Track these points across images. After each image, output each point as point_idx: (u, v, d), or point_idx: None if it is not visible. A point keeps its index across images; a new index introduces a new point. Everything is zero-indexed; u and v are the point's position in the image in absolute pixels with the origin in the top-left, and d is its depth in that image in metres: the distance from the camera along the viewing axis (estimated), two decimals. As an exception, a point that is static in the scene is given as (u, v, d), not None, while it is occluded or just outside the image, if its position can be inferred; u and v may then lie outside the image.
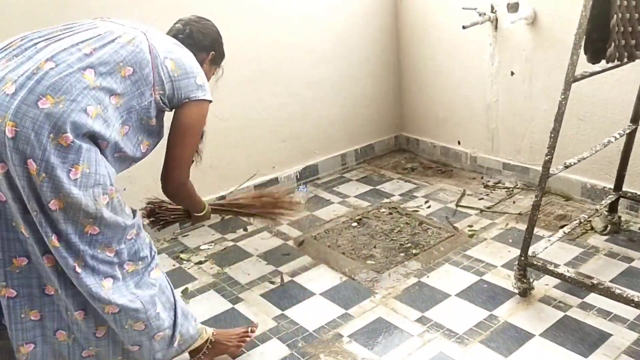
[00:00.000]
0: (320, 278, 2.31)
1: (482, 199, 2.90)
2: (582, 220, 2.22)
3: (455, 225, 2.64)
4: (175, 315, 1.69)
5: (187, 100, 1.58)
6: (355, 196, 3.05)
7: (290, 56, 3.00)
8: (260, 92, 2.93)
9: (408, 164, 3.45)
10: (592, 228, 2.46)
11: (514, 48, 2.82)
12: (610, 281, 2.11)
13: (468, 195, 2.95)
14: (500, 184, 3.04)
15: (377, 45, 3.36)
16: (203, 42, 1.79)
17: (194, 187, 1.82)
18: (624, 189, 2.39)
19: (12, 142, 1.32)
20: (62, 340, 1.56)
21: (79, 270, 1.45)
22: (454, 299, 2.10)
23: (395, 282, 2.24)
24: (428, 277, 2.25)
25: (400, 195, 3.01)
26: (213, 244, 2.64)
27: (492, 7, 2.83)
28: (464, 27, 2.76)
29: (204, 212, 2.00)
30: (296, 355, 1.88)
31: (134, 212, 1.61)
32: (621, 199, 2.42)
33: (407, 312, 2.05)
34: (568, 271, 1.91)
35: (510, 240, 2.46)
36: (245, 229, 2.75)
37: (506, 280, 2.17)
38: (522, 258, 1.99)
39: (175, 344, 1.71)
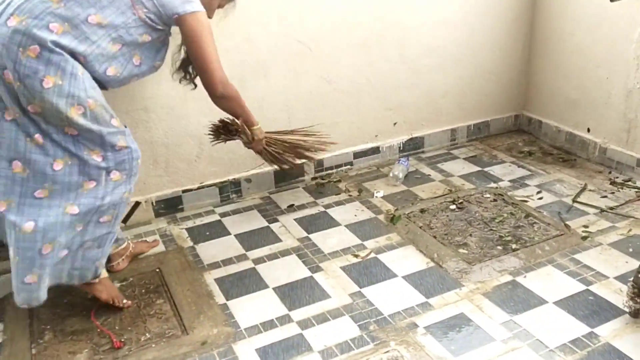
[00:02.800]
0: (405, 260, 2.18)
1: (605, 197, 2.56)
2: None
3: (567, 223, 2.35)
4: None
5: (177, 15, 1.74)
6: (460, 176, 2.84)
7: (407, 19, 2.80)
8: (371, 55, 2.79)
9: (525, 147, 3.14)
10: None
11: (672, 26, 2.39)
12: None
13: (589, 190, 2.62)
14: (630, 183, 2.66)
15: (508, 12, 3.03)
16: None
17: (239, 95, 1.99)
18: None
19: None
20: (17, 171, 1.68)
21: (61, 167, 1.67)
22: (551, 306, 1.88)
23: (487, 276, 2.05)
24: (525, 277, 2.04)
25: (510, 181, 2.75)
26: (304, 207, 2.61)
27: (652, -24, 2.41)
28: (612, 0, 2.38)
29: (258, 126, 2.17)
30: (365, 338, 1.80)
31: (123, 126, 1.78)
32: None
33: (494, 312, 1.87)
34: (696, 300, 1.61)
35: (631, 250, 2.15)
36: (338, 195, 2.68)
37: (617, 295, 1.90)
38: (639, 275, 1.71)
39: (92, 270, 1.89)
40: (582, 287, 1.96)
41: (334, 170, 2.91)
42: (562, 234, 2.28)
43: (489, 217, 2.43)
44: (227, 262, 2.23)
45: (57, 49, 1.59)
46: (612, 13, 2.61)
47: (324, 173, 2.88)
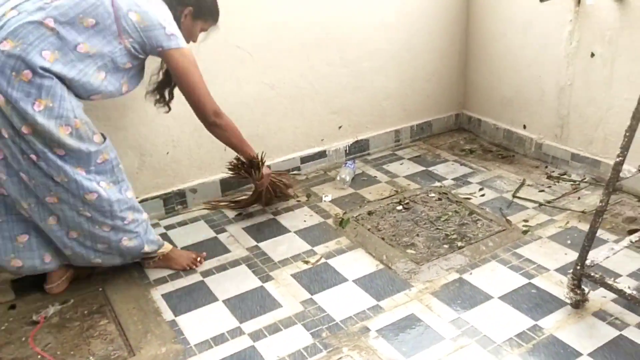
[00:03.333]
0: (355, 263, 2.19)
1: (542, 191, 2.66)
2: (654, 229, 1.97)
3: (508, 218, 2.43)
4: (139, 225, 2.02)
5: (161, 48, 1.83)
6: (405, 176, 2.88)
7: (347, 23, 2.82)
8: (313, 60, 2.79)
9: (467, 145, 3.23)
10: (665, 236, 2.19)
11: (597, 27, 2.51)
12: (680, 301, 1.87)
13: (528, 185, 2.72)
14: (565, 176, 2.78)
15: (444, 15, 3.11)
16: None
17: (234, 125, 2.10)
18: None
19: None
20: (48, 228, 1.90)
21: (60, 181, 1.79)
22: (497, 302, 1.94)
23: (434, 275, 2.09)
24: (471, 274, 2.09)
25: (453, 179, 2.82)
26: (252, 215, 2.57)
27: (577, -21, 2.52)
28: (541, 1, 2.47)
29: (259, 159, 2.29)
30: (318, 346, 1.79)
31: (103, 139, 1.89)
32: None
33: (443, 311, 1.91)
34: (629, 287, 1.69)
35: (569, 242, 2.24)
36: (286, 201, 2.66)
37: (558, 287, 1.97)
38: (578, 267, 1.78)
39: (141, 252, 2.07)
40: (525, 281, 2.03)
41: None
42: (504, 230, 2.35)
43: (434, 216, 2.48)
44: (174, 276, 2.17)
45: (47, 74, 1.68)
46: (542, 13, 2.71)
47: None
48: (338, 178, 2.81)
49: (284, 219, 2.53)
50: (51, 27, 1.68)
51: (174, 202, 2.61)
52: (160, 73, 2.10)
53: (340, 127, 3.02)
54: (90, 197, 1.85)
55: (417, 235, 2.35)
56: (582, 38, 2.59)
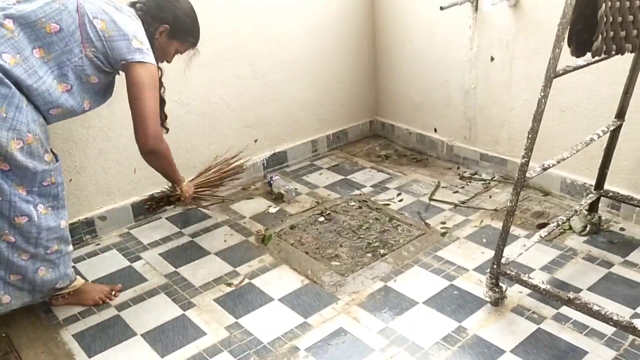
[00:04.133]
0: (280, 281, 2.14)
1: (457, 192, 2.74)
2: (560, 223, 2.08)
3: (427, 221, 2.48)
4: (61, 257, 1.89)
5: (124, 61, 1.73)
6: (325, 186, 2.87)
7: (256, 34, 2.78)
8: (223, 74, 2.71)
9: (382, 151, 3.28)
10: (570, 228, 2.32)
11: (494, 32, 2.63)
12: (588, 289, 1.98)
13: (442, 187, 2.79)
14: (476, 176, 2.89)
15: (351, 24, 3.14)
16: (155, 12, 1.87)
17: (170, 152, 1.96)
18: (605, 187, 2.24)
19: None
20: None
21: None
22: (422, 307, 1.96)
23: (360, 286, 2.09)
24: (395, 281, 2.10)
25: (371, 186, 2.85)
26: (169, 239, 2.46)
27: (473, -13, 2.63)
28: (441, 8, 2.55)
29: (186, 182, 2.21)
30: (247, 372, 1.72)
31: (55, 159, 1.79)
32: (602, 198, 2.28)
33: (370, 322, 1.90)
34: (543, 282, 1.76)
35: (484, 240, 2.32)
36: (204, 221, 2.56)
37: (477, 286, 2.03)
38: (495, 266, 1.84)
39: (56, 287, 1.92)
40: (447, 283, 2.07)
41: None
42: (423, 233, 2.39)
43: (356, 225, 2.48)
44: (86, 313, 2.02)
45: (6, 81, 1.58)
46: (443, 20, 2.81)
47: (187, 199, 2.74)
48: (284, 191, 2.73)
49: (203, 241, 2.43)
50: (11, 29, 1.60)
51: (81, 231, 2.44)
52: None
53: (256, 141, 2.96)
54: (20, 220, 1.72)
55: (341, 246, 2.34)
56: (482, 43, 2.70)
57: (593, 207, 2.27)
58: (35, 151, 1.69)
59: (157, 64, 1.91)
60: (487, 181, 2.82)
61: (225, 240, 2.42)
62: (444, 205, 2.61)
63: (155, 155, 1.89)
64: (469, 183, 2.82)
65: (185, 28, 1.94)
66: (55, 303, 2.03)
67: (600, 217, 2.30)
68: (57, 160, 1.81)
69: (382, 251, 2.28)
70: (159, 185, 2.63)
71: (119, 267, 2.27)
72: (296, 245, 2.35)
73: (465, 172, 2.94)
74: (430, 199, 2.68)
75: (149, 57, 1.77)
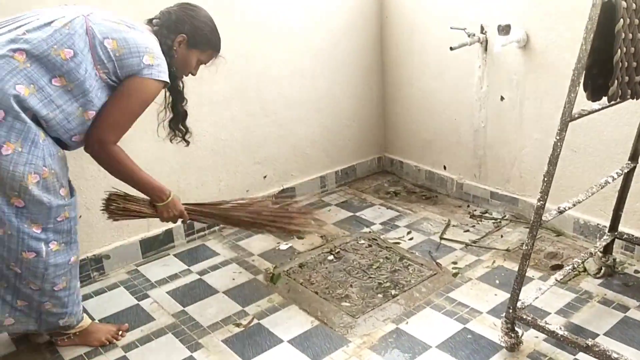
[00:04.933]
0: (290, 321, 2.10)
1: (467, 230, 2.72)
2: (575, 265, 2.04)
3: (438, 261, 2.45)
4: (70, 295, 1.86)
5: (132, 76, 1.69)
6: (334, 223, 2.85)
7: (267, 73, 2.80)
8: (233, 111, 2.73)
9: (391, 187, 3.27)
10: (584, 270, 2.28)
11: (504, 72, 2.65)
12: (605, 334, 1.94)
13: (453, 226, 2.77)
14: (487, 214, 2.86)
15: (361, 63, 3.17)
16: (171, 24, 1.83)
17: (128, 159, 1.81)
18: (619, 229, 2.22)
19: None
20: None
21: (7, 233, 1.65)
22: (435, 351, 1.91)
23: (371, 328, 2.04)
24: (407, 323, 2.06)
25: (381, 224, 2.82)
26: (177, 276, 2.43)
27: (482, 28, 2.66)
28: (451, 49, 2.58)
29: (165, 201, 1.93)
30: (256, 419, 1.67)
31: (71, 195, 1.77)
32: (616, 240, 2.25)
33: (382, 366, 1.85)
34: (560, 328, 1.72)
35: (497, 282, 2.28)
36: (213, 258, 2.54)
37: (492, 330, 1.98)
38: (511, 311, 1.80)
39: (60, 323, 1.88)
40: (460, 326, 2.03)
41: (206, 232, 2.76)
42: (435, 273, 2.36)
43: (366, 264, 2.45)
44: (92, 353, 1.98)
45: (22, 115, 1.57)
46: (453, 60, 2.83)
47: (196, 236, 2.73)
48: None
49: (211, 278, 2.40)
50: (23, 60, 1.58)
51: (89, 269, 2.41)
52: (168, 109, 1.96)
53: (265, 177, 2.96)
54: (27, 255, 1.70)
55: (351, 285, 2.30)
56: (492, 83, 2.72)
57: (607, 249, 2.24)
58: (50, 186, 1.68)
59: (180, 78, 1.92)
60: (498, 220, 2.79)
61: (233, 279, 2.39)
62: (454, 245, 2.59)
63: (98, 157, 1.78)
64: (479, 222, 2.80)
65: (203, 36, 1.88)
66: (61, 343, 1.99)
67: (615, 260, 2.27)
68: (72, 196, 1.79)
69: (393, 292, 2.24)
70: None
71: (126, 305, 2.24)
72: (305, 285, 2.32)
73: (475, 210, 2.92)
74: (441, 238, 2.65)
75: (157, 74, 1.72)
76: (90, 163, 2.29)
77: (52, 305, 1.83)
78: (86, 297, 2.30)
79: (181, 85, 1.94)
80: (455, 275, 2.34)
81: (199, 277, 2.42)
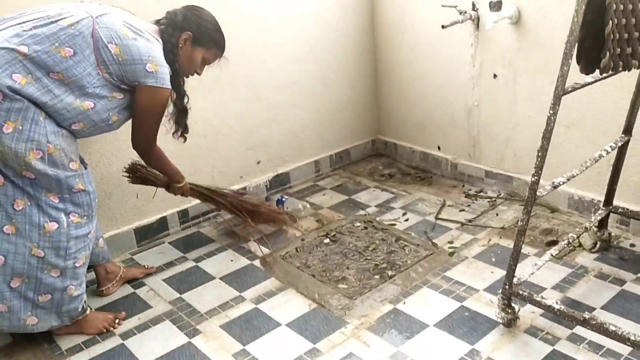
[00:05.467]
0: (287, 305, 2.10)
1: (463, 210, 2.71)
2: (570, 240, 2.05)
3: (434, 241, 2.45)
4: (85, 273, 1.95)
5: (137, 84, 1.79)
6: (329, 207, 2.84)
7: (258, 57, 2.77)
8: (225, 96, 2.70)
9: (385, 169, 3.26)
10: (580, 245, 2.29)
11: (496, 49, 2.63)
12: (602, 307, 1.94)
13: (448, 206, 2.77)
14: (482, 193, 2.86)
15: (352, 45, 3.15)
16: (177, 23, 1.92)
17: (164, 156, 2.09)
18: (614, 203, 2.22)
19: None
20: None
21: (22, 207, 1.73)
22: (433, 329, 1.92)
23: (369, 309, 2.05)
24: (405, 303, 2.07)
25: (376, 206, 2.82)
26: (173, 264, 2.42)
27: (474, 5, 2.63)
28: (443, 27, 2.56)
29: (181, 184, 2.25)
30: (256, 402, 1.68)
31: (83, 167, 1.86)
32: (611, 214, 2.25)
33: (381, 346, 1.86)
34: (557, 302, 1.73)
35: (493, 259, 2.28)
36: (208, 245, 2.53)
37: (489, 307, 1.99)
38: (507, 287, 1.80)
39: (81, 306, 1.95)
40: (457, 304, 2.03)
41: (201, 219, 2.75)
42: (431, 253, 2.36)
43: (362, 246, 2.45)
44: (90, 342, 1.97)
45: (19, 97, 1.64)
46: (445, 39, 2.81)
47: (190, 223, 2.72)
48: (301, 207, 2.73)
49: (208, 265, 2.40)
50: (24, 53, 1.64)
51: (84, 258, 2.40)
52: (171, 105, 2.03)
53: (259, 162, 2.94)
54: (50, 227, 1.77)
55: (347, 268, 2.30)
56: (484, 61, 2.70)
57: (602, 224, 2.24)
58: (58, 160, 1.75)
59: (184, 76, 2.02)
60: (493, 199, 2.79)
61: (230, 265, 2.39)
62: (450, 224, 2.59)
63: (142, 157, 2.06)
64: (474, 201, 2.80)
65: (208, 34, 1.97)
66: (58, 332, 1.99)
67: (610, 234, 2.27)
68: (85, 168, 1.88)
69: (389, 273, 2.24)
70: (162, 210, 2.61)
71: (123, 294, 2.23)
72: (302, 268, 2.32)
73: (470, 190, 2.92)
74: (437, 218, 2.65)
75: (162, 81, 1.81)
76: (82, 152, 2.27)
77: (74, 288, 1.89)
78: (82, 287, 2.29)
79: (183, 82, 2.02)
80: (451, 254, 2.34)
81: (194, 264, 2.41)
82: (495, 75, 2.68)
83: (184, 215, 2.68)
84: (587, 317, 1.64)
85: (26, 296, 1.81)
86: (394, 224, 2.62)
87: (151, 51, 1.79)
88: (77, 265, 1.87)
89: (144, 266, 2.38)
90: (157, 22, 1.94)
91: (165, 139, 2.47)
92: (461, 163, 3.00)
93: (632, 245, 2.28)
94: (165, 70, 1.83)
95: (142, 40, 1.79)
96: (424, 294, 2.11)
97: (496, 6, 2.42)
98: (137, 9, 1.99)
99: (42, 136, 1.69)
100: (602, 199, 2.22)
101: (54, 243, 1.79)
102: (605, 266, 2.16)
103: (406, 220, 2.66)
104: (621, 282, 2.07)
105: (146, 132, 1.93)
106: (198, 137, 2.66)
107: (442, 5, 2.68)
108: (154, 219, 2.58)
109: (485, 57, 2.69)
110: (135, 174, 2.30)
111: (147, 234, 2.57)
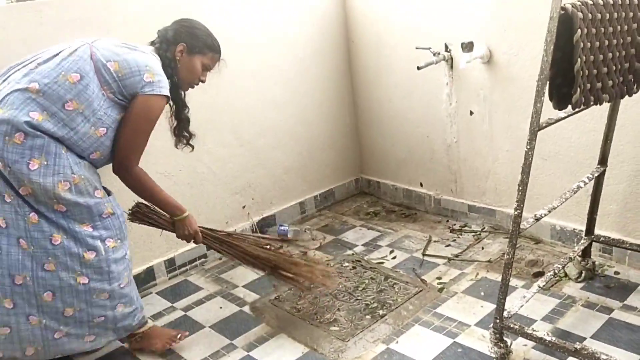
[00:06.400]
0: (279, 351, 2.08)
1: (449, 245, 2.74)
2: (556, 271, 2.08)
3: (423, 278, 2.46)
4: (133, 289, 2.01)
5: (136, 94, 1.82)
6: (316, 248, 2.85)
7: (240, 103, 2.82)
8: (207, 143, 2.73)
9: (370, 208, 3.29)
10: (566, 275, 2.32)
11: (471, 87, 2.72)
12: (592, 336, 1.96)
13: (434, 242, 2.79)
14: (466, 228, 2.90)
15: (332, 88, 3.22)
16: (168, 37, 1.97)
17: (150, 179, 1.98)
18: (595, 232, 2.27)
19: None
20: (34, 324, 1.82)
21: (60, 241, 1.78)
22: (427, 368, 1.91)
23: (362, 350, 2.03)
24: (397, 342, 2.06)
25: (363, 245, 2.83)
26: (161, 314, 2.38)
27: (447, 47, 2.73)
28: (418, 68, 2.64)
29: (183, 216, 2.11)
30: None
31: (107, 194, 1.91)
32: (594, 243, 2.30)
33: (376, 388, 1.84)
34: (548, 334, 1.74)
35: (482, 293, 2.30)
36: (197, 293, 2.50)
37: (481, 342, 1.99)
38: (497, 321, 1.81)
39: (136, 320, 2.01)
40: (450, 341, 2.03)
41: (188, 267, 2.73)
42: (421, 290, 2.37)
43: (352, 286, 2.45)
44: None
45: (39, 133, 1.71)
46: (421, 79, 2.89)
47: (178, 271, 2.69)
48: (306, 230, 2.83)
49: (197, 314, 2.37)
50: (36, 90, 1.72)
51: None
52: (172, 117, 2.09)
53: (244, 207, 2.95)
54: (89, 256, 1.83)
55: (338, 309, 2.29)
56: (460, 98, 2.78)
57: (586, 253, 2.29)
58: (84, 189, 1.81)
59: (187, 88, 2.05)
60: (478, 232, 2.83)
61: (219, 312, 2.36)
62: (438, 260, 2.61)
63: (123, 180, 1.94)
64: (459, 235, 2.83)
65: (201, 40, 2.01)
66: (134, 345, 2.12)
67: (594, 263, 2.31)
68: (109, 195, 1.93)
69: (380, 312, 2.24)
70: (148, 260, 2.59)
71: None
72: (293, 312, 2.30)
73: (454, 224, 2.95)
74: (424, 254, 2.67)
75: (159, 90, 1.84)
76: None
77: (124, 305, 1.96)
78: (68, 343, 2.23)
79: (183, 94, 2.06)
80: (440, 290, 2.36)
81: (183, 313, 2.38)
82: (471, 112, 2.76)
83: (170, 264, 2.66)
84: (578, 347, 1.66)
85: (81, 320, 1.88)
86: (382, 262, 2.63)
87: (148, 61, 1.84)
88: (122, 285, 1.93)
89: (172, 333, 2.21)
90: (152, 43, 2.00)
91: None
92: (444, 198, 3.04)
93: (617, 272, 2.32)
94: (163, 79, 1.86)
95: (138, 52, 1.86)
96: (416, 331, 2.11)
97: (468, 47, 2.52)
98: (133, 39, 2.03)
99: (66, 168, 1.76)
100: (584, 228, 2.27)
101: (96, 270, 1.85)
102: (592, 295, 2.19)
103: (394, 258, 2.67)
104: (609, 310, 2.10)
105: (131, 143, 1.87)
106: (183, 185, 2.67)
107: (416, 48, 2.78)
108: (140, 269, 2.55)
109: (460, 95, 2.77)
110: (139, 214, 2.17)
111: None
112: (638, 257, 2.30)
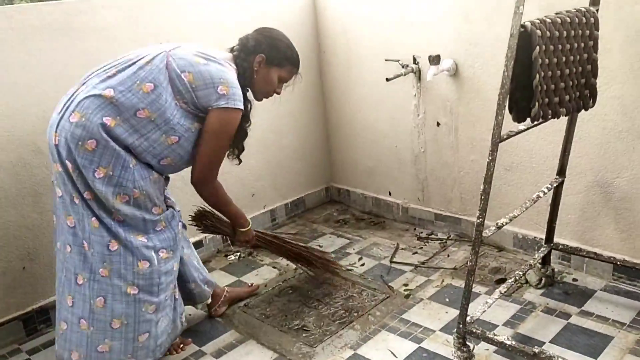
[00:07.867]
0: (248, 357, 2.10)
1: (416, 252, 2.80)
2: (517, 278, 2.15)
3: (390, 284, 2.51)
4: (177, 302, 2.06)
5: (210, 108, 1.83)
6: (286, 256, 2.87)
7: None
8: (179, 150, 2.73)
9: (340, 216, 3.33)
10: (527, 281, 2.40)
11: (438, 99, 2.80)
12: (551, 341, 2.04)
13: (402, 249, 2.85)
14: (433, 236, 2.97)
15: (303, 98, 3.26)
16: (248, 46, 1.97)
17: (226, 194, 2.08)
18: (555, 240, 2.36)
19: (57, 148, 1.77)
20: (83, 329, 1.85)
21: (117, 247, 1.81)
22: (393, 372, 1.96)
23: (330, 356, 2.07)
24: (364, 348, 2.10)
25: (333, 252, 2.87)
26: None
27: (415, 59, 2.81)
28: (387, 80, 2.71)
29: (246, 229, 2.23)
30: None
31: (167, 208, 1.96)
32: (553, 250, 2.39)
33: (343, 393, 1.87)
34: (508, 338, 1.81)
35: (447, 300, 2.36)
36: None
37: (445, 347, 2.05)
38: (461, 326, 1.87)
39: (179, 324, 2.09)
40: (415, 346, 2.08)
41: (157, 274, 2.72)
42: (388, 297, 2.42)
43: (321, 293, 2.48)
44: (44, 409, 1.90)
45: (112, 143, 1.74)
46: (390, 90, 2.96)
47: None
48: None
49: (166, 321, 2.36)
50: (110, 97, 1.75)
51: (36, 321, 2.32)
52: None
53: (214, 214, 2.95)
54: (142, 265, 1.85)
55: (307, 316, 2.32)
56: (428, 110, 2.86)
57: (546, 260, 2.37)
58: (142, 204, 1.84)
59: (262, 98, 2.09)
60: (444, 240, 2.90)
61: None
62: (405, 267, 2.66)
63: (200, 193, 2.02)
64: (426, 243, 2.90)
65: (280, 52, 2.00)
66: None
67: (553, 270, 2.40)
68: (166, 210, 1.95)
69: (348, 318, 2.28)
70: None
71: None
72: (262, 319, 2.32)
73: (422, 232, 3.02)
74: (392, 262, 2.72)
75: (233, 102, 1.84)
76: (32, 212, 2.24)
77: (162, 319, 1.96)
78: (35, 351, 2.21)
79: (250, 107, 2.03)
80: (407, 296, 2.41)
81: (152, 320, 2.37)
82: (438, 124, 2.84)
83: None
84: (537, 351, 1.72)
85: (127, 337, 1.88)
86: (351, 269, 2.68)
87: (222, 73, 1.84)
88: (166, 297, 1.95)
89: (249, 284, 2.52)
90: (231, 50, 1.99)
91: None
92: (412, 207, 3.11)
93: (575, 279, 2.42)
94: (237, 92, 1.86)
95: (213, 64, 1.85)
96: (383, 337, 2.15)
97: (435, 60, 2.60)
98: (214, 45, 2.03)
99: (129, 182, 1.79)
100: (544, 236, 2.36)
101: (147, 280, 1.87)
102: (551, 301, 2.28)
103: (362, 265, 2.72)
104: (567, 315, 2.18)
105: (211, 159, 1.91)
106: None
107: (386, 60, 2.85)
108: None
109: (428, 106, 2.85)
110: (202, 220, 2.31)
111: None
112: (595, 265, 2.40)
